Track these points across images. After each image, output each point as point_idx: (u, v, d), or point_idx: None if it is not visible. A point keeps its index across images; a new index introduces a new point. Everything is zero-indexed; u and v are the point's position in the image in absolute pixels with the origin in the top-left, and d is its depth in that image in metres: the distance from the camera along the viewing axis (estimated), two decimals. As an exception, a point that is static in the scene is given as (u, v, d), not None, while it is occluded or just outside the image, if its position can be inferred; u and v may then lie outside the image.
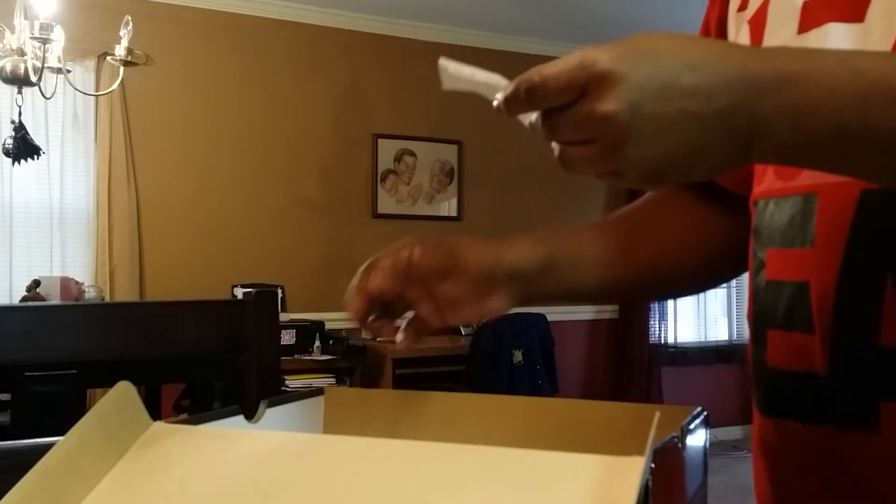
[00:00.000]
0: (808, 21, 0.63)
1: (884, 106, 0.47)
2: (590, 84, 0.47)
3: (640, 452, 0.42)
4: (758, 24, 0.68)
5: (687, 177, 0.52)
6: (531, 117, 0.52)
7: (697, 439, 0.53)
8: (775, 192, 0.66)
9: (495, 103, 0.53)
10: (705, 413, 0.56)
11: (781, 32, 0.65)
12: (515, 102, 0.51)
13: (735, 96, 0.47)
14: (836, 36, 0.60)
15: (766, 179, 0.68)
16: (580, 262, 0.78)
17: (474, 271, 0.71)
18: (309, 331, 4.35)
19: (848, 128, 0.47)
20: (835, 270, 0.59)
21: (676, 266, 0.83)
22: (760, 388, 0.69)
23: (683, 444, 0.49)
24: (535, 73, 0.49)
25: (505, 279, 0.73)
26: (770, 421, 0.67)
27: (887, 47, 0.57)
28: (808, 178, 0.62)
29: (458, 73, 0.58)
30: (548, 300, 0.80)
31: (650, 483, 0.40)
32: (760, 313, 0.67)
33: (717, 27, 0.78)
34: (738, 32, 0.71)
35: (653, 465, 0.41)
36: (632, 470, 0.41)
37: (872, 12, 0.58)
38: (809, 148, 0.49)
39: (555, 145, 0.52)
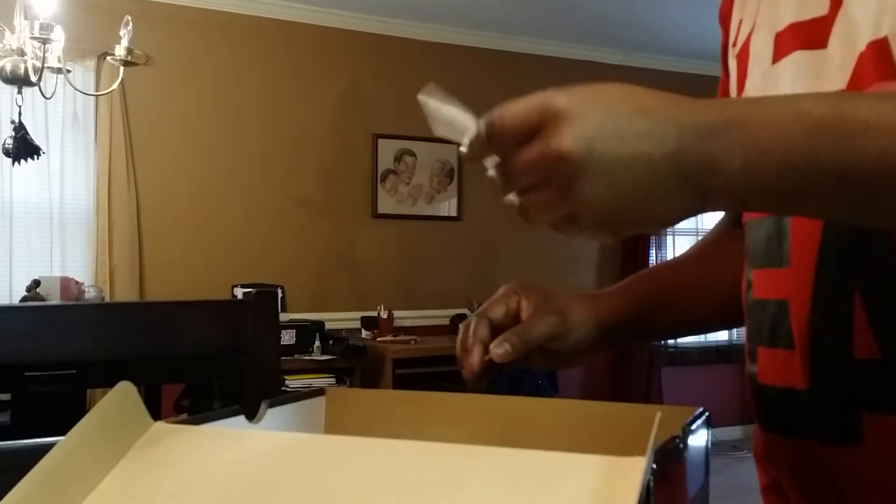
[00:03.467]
0: (780, 51, 0.65)
1: (831, 143, 0.47)
2: (546, 122, 0.49)
3: (641, 453, 0.42)
4: (743, 59, 0.71)
5: (642, 223, 0.51)
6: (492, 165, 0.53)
7: (699, 440, 0.53)
8: (755, 214, 0.69)
9: (461, 149, 0.53)
10: (707, 413, 0.56)
11: (759, 65, 0.68)
12: (478, 143, 0.52)
13: (685, 139, 0.48)
14: (803, 63, 0.63)
15: None
16: (663, 307, 0.81)
17: (580, 332, 0.74)
18: (309, 331, 4.35)
19: (797, 167, 0.48)
20: (808, 288, 0.61)
21: None
22: (755, 402, 0.71)
23: (685, 444, 0.49)
24: (496, 112, 0.51)
25: (603, 335, 0.77)
26: (764, 434, 0.70)
27: (847, 71, 0.59)
28: None
29: (437, 113, 0.57)
30: (632, 342, 0.83)
31: (651, 483, 0.40)
32: (751, 331, 0.70)
33: (723, 62, 0.81)
34: (732, 67, 0.74)
35: (654, 466, 0.41)
36: (633, 470, 0.41)
37: (833, 38, 0.60)
38: (762, 190, 0.49)
39: (513, 197, 0.52)
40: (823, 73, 0.60)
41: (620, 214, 0.50)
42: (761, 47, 0.68)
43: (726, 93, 0.79)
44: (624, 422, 0.66)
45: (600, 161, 0.48)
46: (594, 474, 0.43)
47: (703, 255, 0.86)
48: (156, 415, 0.56)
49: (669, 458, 0.46)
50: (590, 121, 0.48)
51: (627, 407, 0.68)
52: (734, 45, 0.74)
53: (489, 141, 0.51)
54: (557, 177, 0.49)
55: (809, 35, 0.62)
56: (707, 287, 0.82)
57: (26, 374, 1.41)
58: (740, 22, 0.73)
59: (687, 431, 0.49)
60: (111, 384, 0.55)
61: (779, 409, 0.66)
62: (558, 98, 0.49)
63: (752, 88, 0.69)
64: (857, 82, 0.58)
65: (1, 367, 1.36)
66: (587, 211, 0.49)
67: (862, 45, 0.58)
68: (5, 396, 1.73)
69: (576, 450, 0.45)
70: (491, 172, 0.54)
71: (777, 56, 0.65)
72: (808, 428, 0.62)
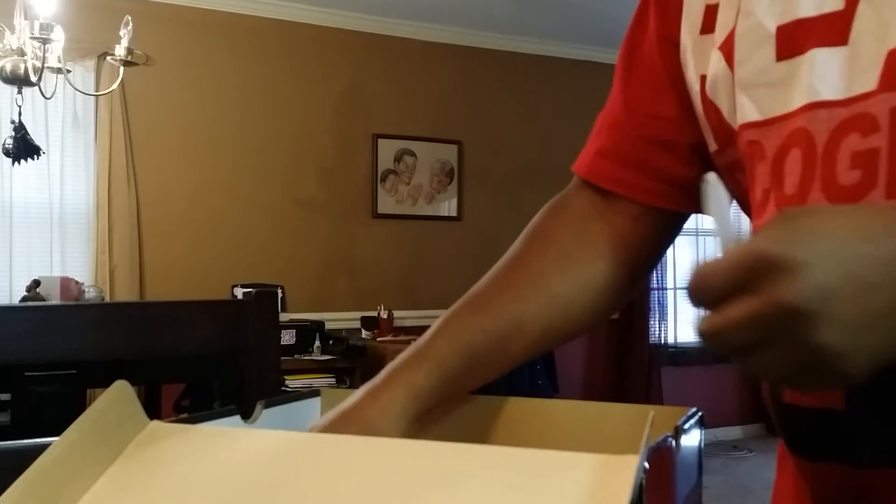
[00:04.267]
0: (789, 47, 0.60)
1: None
2: (761, 273, 0.43)
3: (635, 452, 0.42)
4: (728, 51, 0.64)
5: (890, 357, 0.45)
6: None
7: (692, 439, 0.53)
8: None
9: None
10: (700, 413, 0.57)
11: (755, 60, 0.62)
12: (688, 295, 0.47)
13: None
14: (822, 61, 0.58)
15: (767, 213, 0.64)
16: (473, 371, 0.72)
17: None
18: (309, 331, 4.35)
19: None
20: None
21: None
22: (780, 424, 0.65)
23: (678, 443, 0.49)
24: (701, 271, 0.46)
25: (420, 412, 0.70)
26: (790, 455, 0.65)
27: (877, 69, 0.55)
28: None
29: (717, 202, 0.50)
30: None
31: (644, 482, 0.41)
32: None
33: (659, 49, 0.74)
34: (710, 58, 0.67)
35: (646, 465, 0.41)
36: (626, 468, 0.41)
37: (856, 34, 0.56)
38: None
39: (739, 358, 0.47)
40: (848, 69, 0.56)
41: (870, 356, 0.44)
42: (755, 40, 0.62)
43: (659, 88, 0.73)
44: (620, 422, 0.66)
45: (836, 304, 0.43)
46: (588, 472, 0.43)
47: (511, 281, 0.79)
48: (156, 415, 0.56)
49: (662, 457, 0.46)
50: (818, 268, 0.43)
51: (625, 407, 0.68)
52: (708, 31, 0.67)
53: (694, 300, 0.46)
54: (786, 333, 0.44)
55: (825, 31, 0.58)
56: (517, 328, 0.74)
57: (26, 374, 1.42)
58: (715, 7, 0.66)
59: (679, 431, 0.49)
60: (111, 384, 0.55)
61: (811, 432, 0.61)
62: (769, 245, 0.44)
63: (751, 84, 0.63)
64: (886, 82, 0.54)
65: (1, 367, 1.36)
66: (830, 363, 0.44)
67: (892, 43, 0.54)
68: (5, 396, 1.73)
69: (573, 450, 0.46)
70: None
71: (786, 52, 0.60)
72: (844, 450, 0.58)
